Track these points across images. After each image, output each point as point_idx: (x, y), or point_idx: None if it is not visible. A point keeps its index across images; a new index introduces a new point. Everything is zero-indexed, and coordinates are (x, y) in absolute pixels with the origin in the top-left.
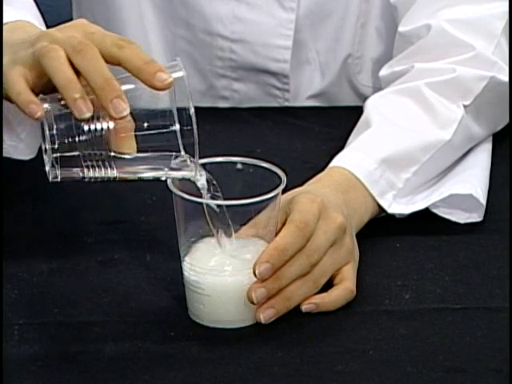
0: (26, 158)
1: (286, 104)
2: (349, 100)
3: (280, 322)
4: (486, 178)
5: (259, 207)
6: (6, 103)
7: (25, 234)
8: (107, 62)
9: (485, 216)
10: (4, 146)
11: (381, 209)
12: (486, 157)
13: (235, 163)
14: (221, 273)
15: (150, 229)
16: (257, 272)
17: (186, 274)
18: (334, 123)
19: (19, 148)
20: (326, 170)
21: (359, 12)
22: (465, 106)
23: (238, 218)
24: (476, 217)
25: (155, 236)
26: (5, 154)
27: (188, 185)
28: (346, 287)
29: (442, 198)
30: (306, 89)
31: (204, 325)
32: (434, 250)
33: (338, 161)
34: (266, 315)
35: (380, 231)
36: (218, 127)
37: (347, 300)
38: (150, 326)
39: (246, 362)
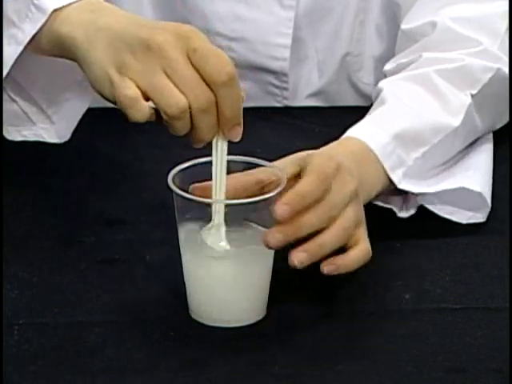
0: (60, 141)
1: (285, 102)
2: (349, 99)
3: (280, 322)
4: (490, 179)
5: (259, 206)
6: (33, 85)
7: (25, 234)
8: None
9: None
10: (35, 129)
11: (390, 184)
12: (490, 158)
13: (235, 162)
14: (220, 269)
15: (150, 229)
16: (277, 213)
17: (185, 271)
18: (334, 123)
19: (52, 131)
20: (340, 139)
21: (358, 9)
22: (471, 96)
23: (238, 217)
24: (480, 217)
25: (155, 236)
26: (37, 138)
27: (187, 184)
28: (362, 248)
29: (448, 194)
30: (305, 87)
31: (204, 324)
32: (433, 250)
33: (352, 132)
34: (300, 259)
35: (380, 231)
36: None
37: (365, 260)
38: (150, 326)
39: (246, 362)
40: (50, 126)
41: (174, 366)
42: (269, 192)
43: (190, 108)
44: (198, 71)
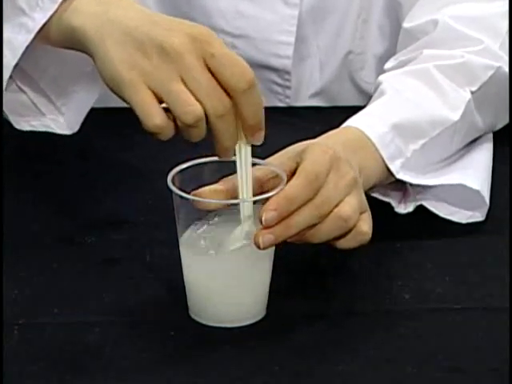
0: (68, 132)
1: (287, 101)
2: (351, 99)
3: (280, 322)
4: (489, 178)
5: (260, 206)
6: (42, 76)
7: (25, 234)
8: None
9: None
10: (44, 119)
11: (389, 174)
12: (489, 157)
13: (235, 163)
14: (220, 269)
15: (150, 229)
16: (263, 219)
17: (185, 271)
18: (335, 123)
19: (60, 122)
20: (338, 129)
21: (360, 8)
22: (471, 92)
23: (238, 217)
24: (479, 216)
25: (155, 236)
26: (46, 129)
27: (187, 184)
28: (337, 216)
29: (446, 192)
30: (307, 86)
31: (204, 324)
32: (433, 249)
33: (351, 121)
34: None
35: (380, 231)
36: None
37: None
38: (150, 326)
39: (246, 362)
40: (59, 117)
41: (174, 365)
42: (268, 190)
43: (207, 117)
44: (215, 76)
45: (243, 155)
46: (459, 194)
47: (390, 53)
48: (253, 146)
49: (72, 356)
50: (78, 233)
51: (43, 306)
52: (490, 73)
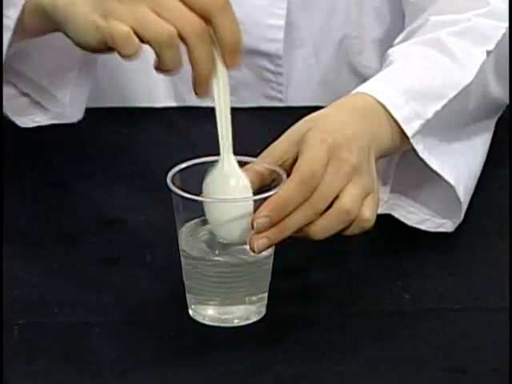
0: (74, 120)
1: (280, 89)
2: (352, 87)
3: (280, 322)
4: (472, 180)
5: (260, 205)
6: (38, 72)
7: (25, 234)
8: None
9: (485, 216)
10: (49, 113)
11: (404, 141)
12: (483, 152)
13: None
14: (220, 268)
15: (150, 229)
16: (254, 226)
17: (185, 271)
18: None
19: (66, 113)
20: (347, 96)
21: None
22: (488, 53)
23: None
24: (449, 226)
25: (155, 236)
26: (50, 122)
27: (187, 183)
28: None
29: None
30: (301, 73)
31: (204, 324)
32: (433, 250)
33: (359, 88)
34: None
35: (380, 231)
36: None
37: (341, 223)
38: (150, 326)
39: (246, 362)
40: (62, 109)
41: (174, 365)
42: (269, 190)
43: (184, 39)
44: (187, 5)
45: (221, 91)
46: (435, 189)
47: (390, 37)
48: (244, 142)
49: (72, 356)
50: (78, 233)
51: (43, 306)
52: (502, 31)
